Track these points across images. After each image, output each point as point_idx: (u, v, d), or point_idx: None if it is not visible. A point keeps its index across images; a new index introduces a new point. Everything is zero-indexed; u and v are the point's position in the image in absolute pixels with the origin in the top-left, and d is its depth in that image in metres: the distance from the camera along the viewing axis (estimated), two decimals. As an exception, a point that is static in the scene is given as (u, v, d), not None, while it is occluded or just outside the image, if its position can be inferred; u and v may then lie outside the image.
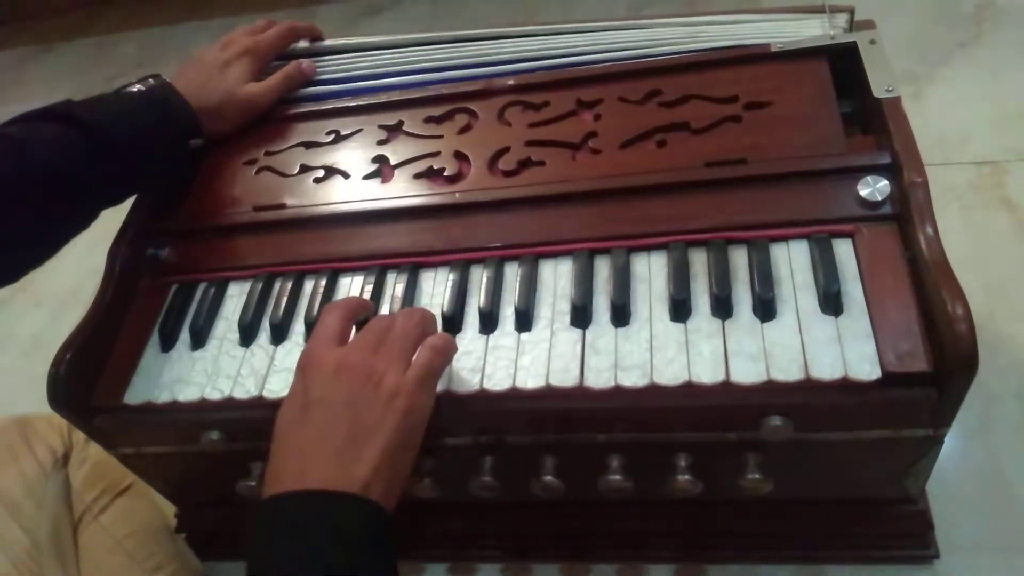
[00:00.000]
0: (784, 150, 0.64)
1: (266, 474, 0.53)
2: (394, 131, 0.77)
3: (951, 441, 0.64)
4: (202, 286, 0.71)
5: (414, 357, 0.56)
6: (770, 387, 0.54)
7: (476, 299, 0.64)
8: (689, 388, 0.55)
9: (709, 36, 0.74)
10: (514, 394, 0.58)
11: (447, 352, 0.58)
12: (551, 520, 0.74)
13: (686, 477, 0.60)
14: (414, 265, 0.67)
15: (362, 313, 0.62)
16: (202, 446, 0.65)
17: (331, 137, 0.78)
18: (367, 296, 0.65)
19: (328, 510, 0.49)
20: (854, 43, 0.68)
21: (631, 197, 0.65)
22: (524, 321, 0.61)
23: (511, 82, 0.76)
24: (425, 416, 0.55)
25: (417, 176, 0.72)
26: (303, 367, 0.56)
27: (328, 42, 0.86)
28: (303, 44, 0.86)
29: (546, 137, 0.71)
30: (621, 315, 0.59)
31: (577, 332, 0.60)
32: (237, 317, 0.68)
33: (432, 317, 0.60)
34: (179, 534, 0.82)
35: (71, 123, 0.67)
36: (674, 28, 0.76)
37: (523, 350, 0.60)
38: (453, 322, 0.63)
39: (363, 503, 0.49)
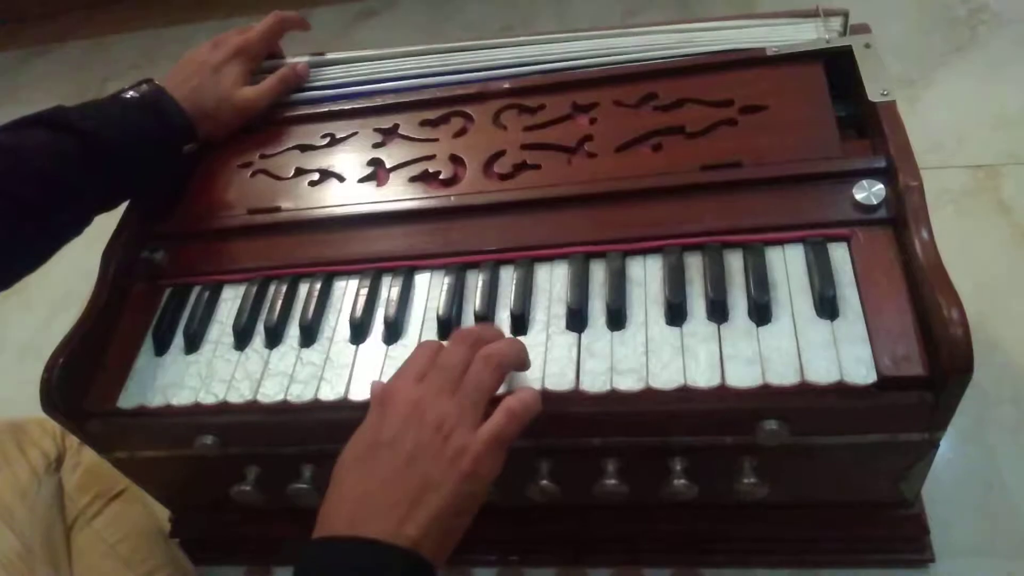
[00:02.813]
0: (779, 154, 0.64)
1: (321, 509, 0.52)
2: (389, 134, 0.77)
3: (947, 445, 0.64)
4: (196, 290, 0.71)
5: (493, 415, 0.53)
6: (766, 391, 0.54)
7: (472, 303, 0.63)
8: (685, 392, 0.55)
9: (704, 41, 0.74)
10: (509, 398, 0.58)
11: (525, 417, 0.54)
12: (547, 524, 0.74)
13: (682, 481, 0.60)
14: (409, 268, 0.67)
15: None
16: (196, 450, 0.65)
17: (326, 140, 0.78)
18: (362, 298, 0.65)
19: (377, 562, 0.48)
20: (849, 47, 0.69)
21: (627, 201, 0.65)
22: (519, 325, 0.61)
23: (507, 85, 0.76)
24: (487, 484, 0.52)
25: (412, 179, 0.72)
26: (382, 401, 0.54)
27: (323, 56, 0.86)
28: (300, 58, 0.86)
29: (541, 140, 0.71)
30: (617, 319, 0.59)
31: (573, 336, 0.60)
32: (231, 321, 0.67)
33: (518, 352, 0.57)
34: (173, 539, 0.82)
35: (63, 129, 0.67)
36: (669, 34, 0.76)
37: (518, 354, 0.60)
38: (448, 326, 0.63)
39: (412, 558, 0.48)
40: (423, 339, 0.63)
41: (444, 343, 0.58)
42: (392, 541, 0.48)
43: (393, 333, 0.63)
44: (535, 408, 0.55)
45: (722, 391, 0.55)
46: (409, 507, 0.49)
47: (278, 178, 0.76)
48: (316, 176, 0.75)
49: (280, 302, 0.67)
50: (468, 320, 0.63)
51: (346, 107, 0.80)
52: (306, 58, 0.86)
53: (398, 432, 0.52)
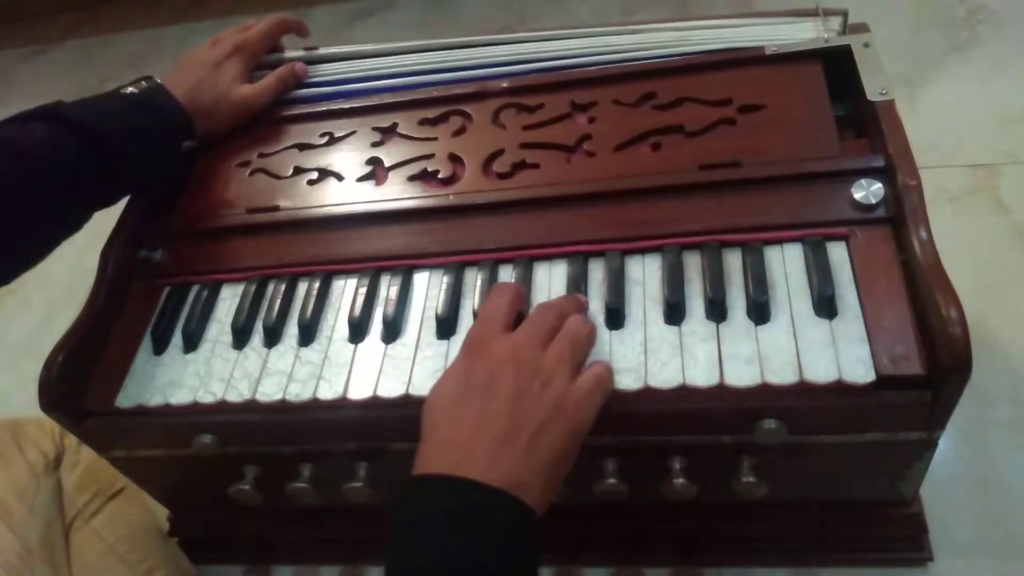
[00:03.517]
0: (778, 153, 0.64)
1: (417, 454, 0.50)
2: (388, 133, 0.77)
3: (945, 444, 0.64)
4: (195, 288, 0.71)
5: (587, 367, 0.54)
6: (764, 390, 0.54)
7: (471, 302, 0.63)
8: (683, 391, 0.55)
9: (703, 39, 0.74)
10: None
11: (613, 375, 0.56)
12: (546, 523, 0.74)
13: (681, 480, 0.60)
14: (408, 267, 0.67)
15: (524, 304, 0.60)
16: (195, 449, 0.65)
17: (325, 139, 0.78)
18: (361, 297, 0.65)
19: (480, 504, 0.46)
20: (848, 46, 0.69)
21: (625, 200, 0.65)
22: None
23: (505, 84, 0.76)
24: (586, 430, 0.52)
25: (411, 178, 0.72)
26: (470, 348, 0.54)
27: (321, 50, 0.86)
28: (297, 52, 0.86)
29: (540, 139, 0.71)
30: (615, 318, 0.59)
31: (571, 335, 0.60)
32: (230, 320, 0.67)
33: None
34: (171, 538, 0.82)
35: (62, 124, 0.67)
36: (668, 32, 0.76)
37: (517, 353, 0.60)
38: (447, 325, 0.63)
39: (518, 505, 0.47)
40: (422, 338, 0.63)
41: (512, 287, 0.59)
42: (496, 484, 0.46)
43: (392, 332, 0.63)
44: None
45: (721, 390, 0.55)
46: (514, 448, 0.48)
47: (277, 177, 0.76)
48: (315, 175, 0.75)
49: (279, 301, 0.67)
50: (467, 320, 0.63)
51: (344, 106, 0.80)
52: (302, 52, 0.86)
53: (495, 377, 0.51)
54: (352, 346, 0.64)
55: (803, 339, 0.55)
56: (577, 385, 0.52)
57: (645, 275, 0.62)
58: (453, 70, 0.80)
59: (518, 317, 0.58)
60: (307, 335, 0.65)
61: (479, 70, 0.78)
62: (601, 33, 0.78)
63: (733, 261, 0.60)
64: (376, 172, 0.74)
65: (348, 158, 0.76)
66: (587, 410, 0.52)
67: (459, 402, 0.51)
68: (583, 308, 0.59)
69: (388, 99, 0.79)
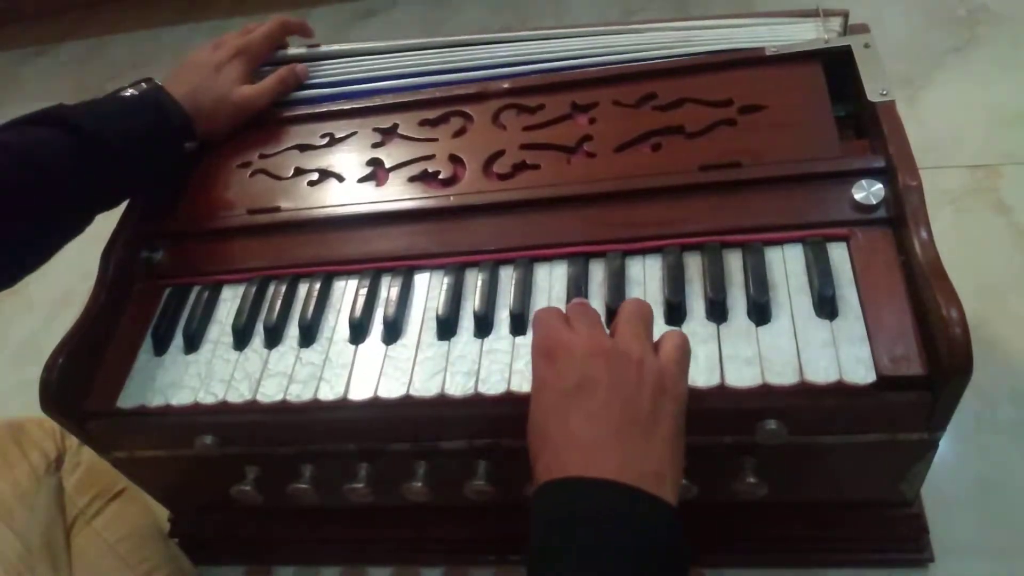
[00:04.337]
0: (779, 154, 0.64)
1: (534, 472, 0.47)
2: (389, 134, 0.77)
3: (946, 444, 0.63)
4: (196, 289, 0.71)
5: (664, 340, 0.51)
6: (765, 391, 0.54)
7: (471, 302, 0.63)
8: (684, 392, 0.55)
9: (703, 40, 0.74)
10: (509, 398, 0.58)
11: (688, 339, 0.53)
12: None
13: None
14: (409, 268, 0.67)
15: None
16: (196, 450, 0.65)
17: (325, 140, 0.78)
18: (362, 298, 0.65)
19: (622, 507, 0.43)
20: (848, 47, 0.69)
21: (626, 201, 0.65)
22: (519, 325, 0.61)
23: (506, 85, 0.76)
24: (687, 400, 0.50)
25: (412, 179, 0.72)
26: (547, 353, 0.50)
27: (323, 48, 0.86)
28: (299, 50, 0.86)
29: (541, 140, 0.71)
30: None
31: (572, 336, 0.60)
32: (231, 321, 0.67)
33: None
34: (172, 538, 0.82)
35: (63, 127, 0.67)
36: (668, 32, 0.76)
37: (518, 354, 0.60)
38: (448, 326, 0.63)
39: (663, 507, 0.44)
40: (423, 339, 0.63)
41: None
42: (633, 481, 0.44)
43: (392, 333, 0.63)
44: None
45: (722, 391, 0.55)
46: (637, 437, 0.46)
47: (277, 178, 0.76)
48: (315, 176, 0.75)
49: (279, 302, 0.67)
50: (468, 321, 0.63)
51: (345, 107, 0.80)
52: (304, 50, 0.86)
53: (586, 373, 0.48)
54: (353, 347, 0.64)
55: (804, 340, 0.55)
56: (665, 358, 0.50)
57: (646, 276, 0.62)
58: (454, 70, 0.80)
59: None
60: (308, 336, 0.65)
61: (480, 71, 0.78)
62: (602, 33, 0.78)
63: (734, 262, 0.60)
64: (377, 173, 0.74)
65: (349, 159, 0.76)
66: (682, 380, 0.50)
67: (560, 410, 0.48)
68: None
69: (389, 100, 0.79)
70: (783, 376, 0.54)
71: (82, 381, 0.66)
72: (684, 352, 0.51)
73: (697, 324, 0.58)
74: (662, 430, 0.47)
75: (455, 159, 0.72)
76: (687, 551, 0.45)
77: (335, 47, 0.86)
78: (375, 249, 0.69)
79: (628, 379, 0.48)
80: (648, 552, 0.43)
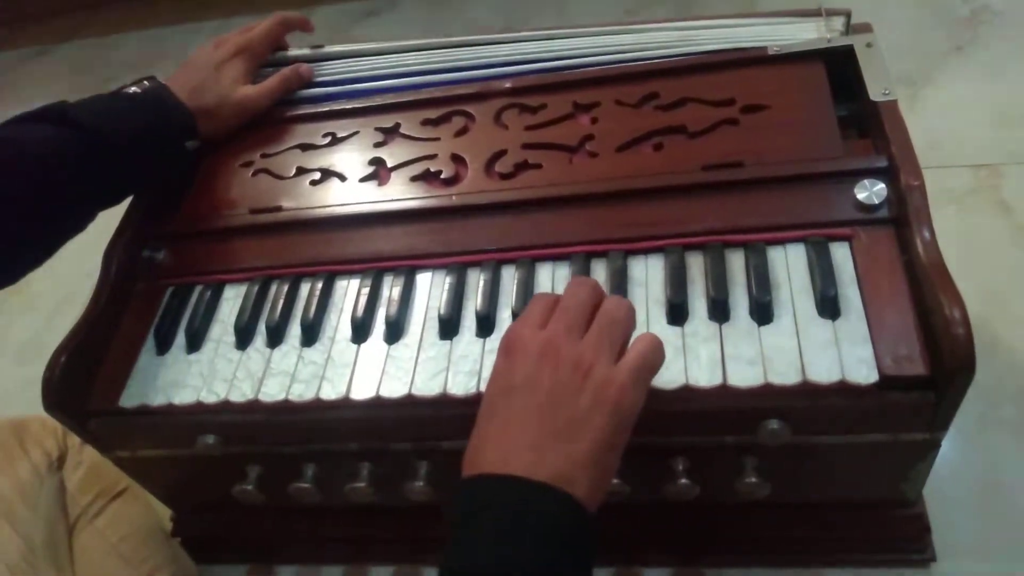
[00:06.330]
0: (781, 153, 0.64)
1: (466, 453, 0.50)
2: (391, 133, 0.77)
3: (948, 445, 0.63)
4: (198, 289, 0.71)
5: (632, 346, 0.52)
6: (767, 391, 0.54)
7: (473, 302, 0.63)
8: (686, 392, 0.55)
9: (705, 39, 0.74)
10: (511, 398, 0.58)
11: (661, 348, 0.52)
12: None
13: (683, 481, 0.60)
14: (411, 268, 0.67)
15: None
16: (198, 449, 0.65)
17: (327, 139, 0.78)
18: (364, 298, 0.65)
19: (528, 499, 0.46)
20: (851, 46, 0.69)
21: (628, 200, 0.65)
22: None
23: (508, 85, 0.76)
24: (634, 415, 0.50)
25: (414, 179, 0.72)
26: (506, 348, 0.52)
27: (325, 48, 0.86)
28: (301, 51, 0.86)
29: (543, 140, 0.71)
30: (618, 318, 0.59)
31: (574, 335, 0.60)
32: (233, 320, 0.67)
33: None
34: (174, 538, 0.82)
35: (66, 124, 0.67)
36: (670, 32, 0.76)
37: (520, 353, 0.60)
38: (450, 325, 0.63)
39: (566, 499, 0.46)
40: (424, 339, 0.63)
41: (559, 294, 0.55)
42: (543, 479, 0.46)
43: (394, 332, 0.63)
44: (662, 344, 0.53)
45: (724, 391, 0.55)
46: (557, 442, 0.47)
47: (279, 177, 0.76)
48: (317, 175, 0.75)
49: (281, 301, 0.67)
50: (470, 321, 0.63)
51: (347, 106, 0.80)
52: (307, 51, 0.86)
53: (531, 373, 0.50)
54: (355, 346, 0.64)
55: (806, 339, 0.55)
56: (618, 368, 0.50)
57: (648, 276, 0.62)
58: (456, 70, 0.80)
59: None
60: (310, 335, 0.65)
61: (482, 70, 0.79)
62: (603, 33, 0.78)
63: (736, 261, 0.60)
64: (379, 172, 0.74)
65: (351, 158, 0.76)
66: (631, 393, 0.49)
67: (501, 403, 0.50)
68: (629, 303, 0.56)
69: (391, 99, 0.79)
70: (785, 376, 0.54)
71: (84, 380, 0.67)
72: (645, 361, 0.51)
73: (699, 324, 0.58)
74: (587, 437, 0.48)
75: (457, 159, 0.72)
76: (592, 546, 0.47)
77: (337, 47, 0.86)
78: (377, 248, 0.69)
79: (569, 386, 0.49)
80: (551, 538, 0.45)
